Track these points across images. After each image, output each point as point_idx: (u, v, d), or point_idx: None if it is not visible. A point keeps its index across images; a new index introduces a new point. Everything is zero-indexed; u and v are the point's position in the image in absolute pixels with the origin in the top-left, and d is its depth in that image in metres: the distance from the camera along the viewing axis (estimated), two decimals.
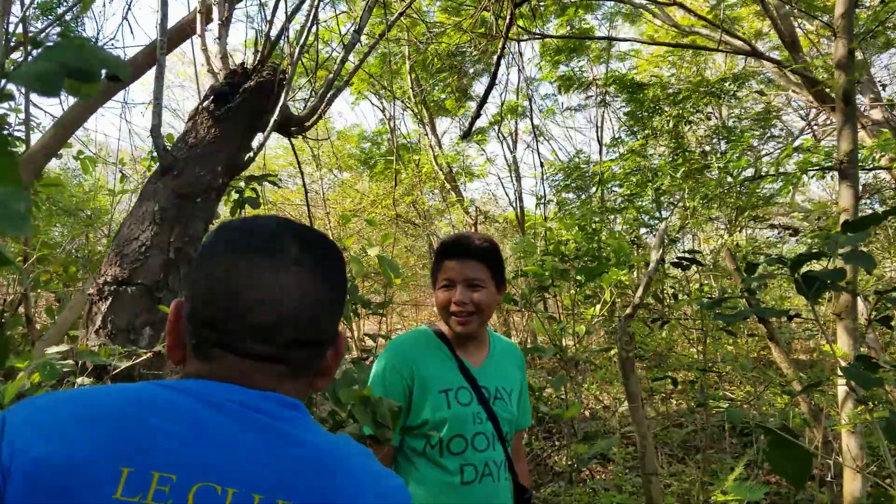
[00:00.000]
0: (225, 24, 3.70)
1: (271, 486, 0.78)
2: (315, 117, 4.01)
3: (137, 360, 2.53)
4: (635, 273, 4.81)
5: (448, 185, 13.14)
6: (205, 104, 3.28)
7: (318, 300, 0.90)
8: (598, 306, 4.05)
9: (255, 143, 3.42)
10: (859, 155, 6.54)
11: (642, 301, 3.25)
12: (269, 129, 3.17)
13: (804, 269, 1.64)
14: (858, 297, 3.13)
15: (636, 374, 3.23)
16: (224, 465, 0.78)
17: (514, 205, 13.94)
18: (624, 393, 3.25)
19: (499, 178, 27.31)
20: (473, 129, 15.43)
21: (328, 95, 3.85)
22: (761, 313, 1.64)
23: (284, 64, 3.42)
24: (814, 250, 1.61)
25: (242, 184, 3.76)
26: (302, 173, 4.28)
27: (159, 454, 0.76)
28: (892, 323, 1.65)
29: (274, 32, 3.47)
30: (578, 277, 4.34)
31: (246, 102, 3.26)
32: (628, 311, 3.27)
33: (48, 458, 0.74)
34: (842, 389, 2.85)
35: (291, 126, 3.89)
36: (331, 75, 3.82)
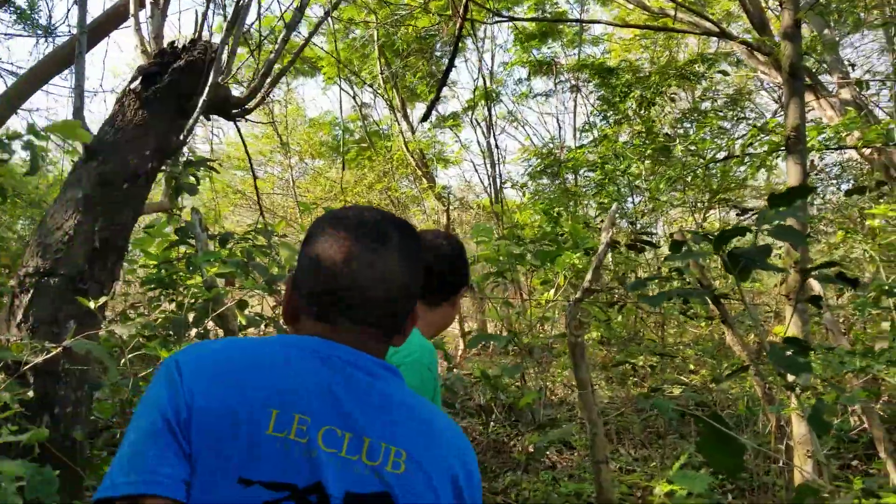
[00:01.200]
0: (157, 3, 3.53)
1: (377, 433, 1.01)
2: (257, 99, 3.87)
3: (49, 356, 2.39)
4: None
5: (419, 172, 12.97)
6: (132, 85, 3.12)
7: (411, 278, 1.12)
8: (553, 291, 3.95)
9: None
10: (825, 134, 6.50)
11: (592, 285, 3.15)
12: (198, 110, 3.02)
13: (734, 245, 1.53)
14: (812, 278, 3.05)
15: (586, 361, 3.13)
16: (342, 414, 1.00)
17: (488, 191, 13.84)
18: (584, 379, 3.16)
19: (473, 165, 27.14)
20: (440, 113, 15.24)
21: (270, 76, 3.71)
22: (683, 294, 1.54)
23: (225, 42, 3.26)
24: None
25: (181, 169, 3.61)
26: (249, 158, 4.13)
27: (297, 400, 0.98)
28: (821, 302, 1.55)
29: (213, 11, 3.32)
30: (534, 262, 4.24)
31: (175, 83, 3.11)
32: (577, 295, 3.17)
33: (216, 402, 0.96)
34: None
35: (231, 108, 3.73)
36: (272, 55, 3.67)
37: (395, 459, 1.00)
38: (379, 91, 13.16)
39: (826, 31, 8.41)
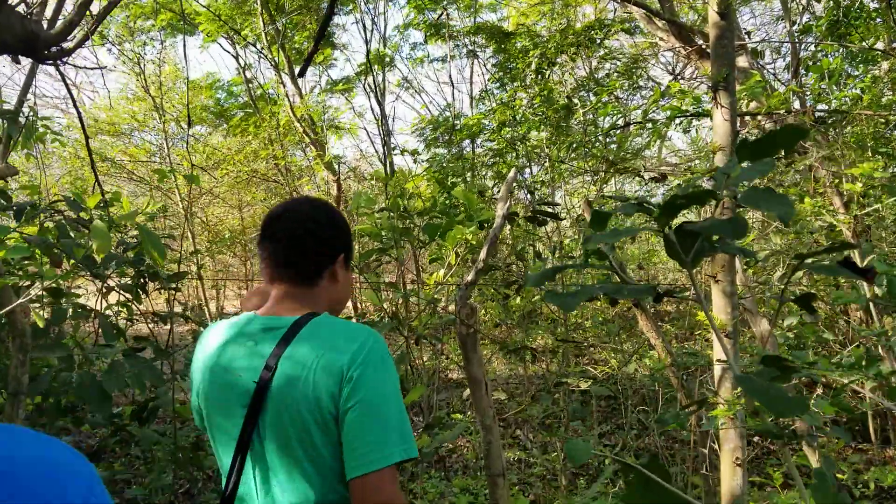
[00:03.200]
0: None
1: None
2: (78, 38, 3.12)
3: None
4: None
5: (307, 139, 12.15)
6: None
7: None
8: (443, 271, 3.46)
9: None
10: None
11: (486, 264, 2.65)
12: None
13: (677, 220, 1.04)
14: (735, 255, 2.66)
15: (479, 354, 2.64)
16: None
17: (382, 161, 13.18)
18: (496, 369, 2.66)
19: (368, 134, 26.32)
20: (331, 78, 14.39)
21: (88, 10, 2.97)
22: (609, 292, 1.03)
23: None
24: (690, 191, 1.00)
25: None
26: (76, 105, 3.36)
27: None
28: (814, 304, 1.09)
29: None
30: (423, 237, 3.71)
31: None
32: (469, 276, 2.67)
33: None
34: (718, 368, 2.37)
35: (41, 47, 2.97)
36: None
37: None
38: (263, 51, 12.20)
39: None
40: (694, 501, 1.17)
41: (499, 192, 6.83)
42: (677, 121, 6.31)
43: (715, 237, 1.08)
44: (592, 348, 6.00)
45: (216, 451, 1.59)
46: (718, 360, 2.37)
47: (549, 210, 3.18)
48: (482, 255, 2.70)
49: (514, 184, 3.04)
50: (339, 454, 1.43)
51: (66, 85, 3.39)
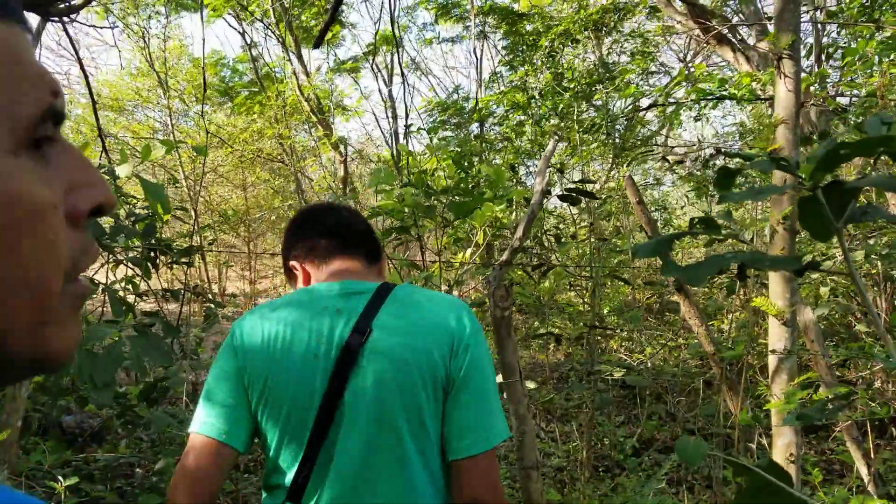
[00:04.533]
0: None
1: None
2: None
3: None
4: (515, 213, 4.05)
5: (314, 119, 11.95)
6: None
7: None
8: (469, 251, 3.28)
9: None
10: (748, 86, 6.08)
11: (522, 243, 2.48)
12: None
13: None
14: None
15: (513, 339, 2.47)
16: None
17: (389, 143, 12.97)
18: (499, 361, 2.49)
19: (374, 117, 26.12)
20: (338, 57, 14.13)
21: None
22: (743, 261, 0.86)
23: None
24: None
25: None
26: (82, 67, 3.17)
27: None
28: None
29: None
30: (447, 215, 3.54)
31: None
32: (505, 256, 2.50)
33: None
34: (773, 358, 2.21)
35: (47, 3, 2.79)
36: None
37: None
38: (270, 27, 11.97)
39: None
40: (813, 502, 1.01)
41: (513, 165, 6.63)
42: (694, 106, 6.13)
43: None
44: (622, 337, 5.80)
45: (271, 437, 1.34)
46: (774, 350, 2.20)
47: (586, 189, 3.00)
48: (518, 232, 2.53)
49: (552, 156, 2.86)
50: (440, 430, 1.30)
51: (72, 41, 3.20)
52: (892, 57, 6.67)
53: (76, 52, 3.14)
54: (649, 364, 4.40)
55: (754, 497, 1.02)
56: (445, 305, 1.37)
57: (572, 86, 7.03)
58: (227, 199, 14.49)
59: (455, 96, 12.62)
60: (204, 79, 6.51)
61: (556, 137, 3.54)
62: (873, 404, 1.93)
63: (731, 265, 0.87)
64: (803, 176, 0.84)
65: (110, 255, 2.96)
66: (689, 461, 1.00)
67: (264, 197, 14.22)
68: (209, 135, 12.54)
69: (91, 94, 3.41)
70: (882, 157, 0.82)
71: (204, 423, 1.32)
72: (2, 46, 0.39)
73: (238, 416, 1.33)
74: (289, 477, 1.32)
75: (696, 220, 1.07)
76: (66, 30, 3.23)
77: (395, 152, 11.98)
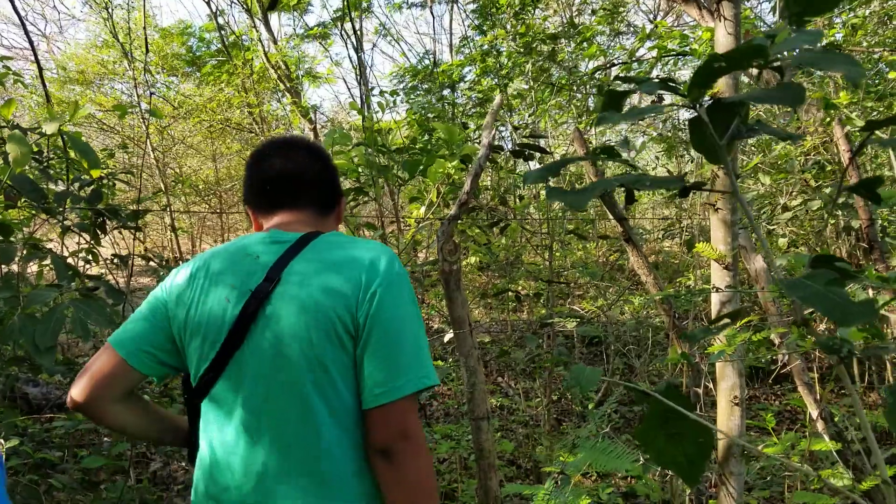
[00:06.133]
0: None
1: None
2: None
3: None
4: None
5: (283, 87, 11.78)
6: None
7: None
8: (424, 208, 3.27)
9: None
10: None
11: (469, 198, 2.47)
12: None
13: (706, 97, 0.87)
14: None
15: (462, 293, 2.48)
16: None
17: (360, 110, 12.82)
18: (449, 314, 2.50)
19: (346, 83, 25.84)
20: (306, 24, 13.96)
21: None
22: (626, 183, 0.86)
23: None
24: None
25: None
26: (26, 31, 3.09)
27: None
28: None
29: None
30: (402, 174, 3.52)
31: None
32: (452, 211, 2.49)
33: None
34: (715, 300, 2.23)
35: None
36: None
37: None
38: None
39: None
40: (712, 427, 1.02)
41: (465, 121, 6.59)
42: (663, 61, 6.11)
43: (750, 121, 0.90)
44: (578, 292, 5.87)
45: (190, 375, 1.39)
46: (717, 289, 2.23)
47: (536, 144, 2.99)
48: (466, 186, 2.52)
49: (499, 109, 2.84)
50: (353, 382, 1.28)
51: (14, 6, 3.11)
52: (852, 4, 6.68)
53: (19, 16, 3.06)
54: (604, 317, 4.44)
55: (658, 422, 1.03)
56: (362, 250, 1.35)
57: (535, 45, 6.98)
58: (198, 171, 14.31)
59: (426, 62, 12.49)
60: (146, 41, 6.31)
61: (500, 94, 3.51)
62: (804, 342, 1.96)
63: (615, 187, 0.87)
64: (685, 94, 0.83)
65: (59, 223, 2.92)
66: (582, 387, 1.00)
67: (235, 168, 14.06)
68: (175, 100, 12.33)
69: (36, 58, 3.33)
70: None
71: (117, 337, 1.40)
72: None
73: (148, 340, 1.38)
74: (203, 426, 1.37)
75: (597, 147, 1.07)
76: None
77: (364, 117, 11.88)
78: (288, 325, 1.26)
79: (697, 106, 0.84)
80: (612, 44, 10.02)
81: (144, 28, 7.48)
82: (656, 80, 0.93)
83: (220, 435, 1.31)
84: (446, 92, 10.37)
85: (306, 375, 1.25)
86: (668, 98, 1.09)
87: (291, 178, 1.48)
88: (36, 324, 2.22)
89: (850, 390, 0.84)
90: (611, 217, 3.06)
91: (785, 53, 0.85)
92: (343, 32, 13.15)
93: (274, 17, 13.21)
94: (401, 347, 1.28)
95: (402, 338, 1.28)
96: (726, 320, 1.08)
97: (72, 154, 3.28)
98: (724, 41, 2.21)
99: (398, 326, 1.28)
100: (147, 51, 7.60)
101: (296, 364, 1.25)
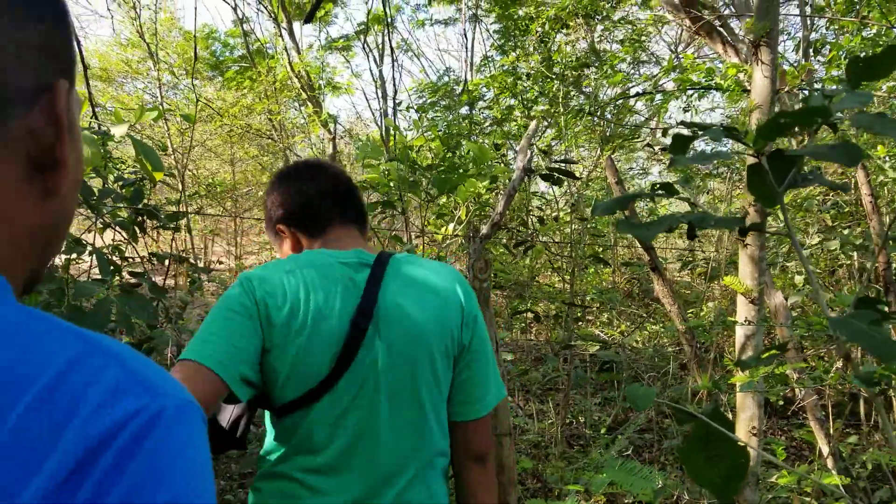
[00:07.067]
0: None
1: None
2: None
3: None
4: (501, 189, 4.12)
5: (304, 96, 11.94)
6: None
7: None
8: (452, 225, 3.35)
9: None
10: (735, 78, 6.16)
11: (502, 218, 2.56)
12: None
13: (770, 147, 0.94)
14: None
15: (491, 311, 2.55)
16: None
17: (378, 123, 12.96)
18: None
19: (364, 94, 26.07)
20: (330, 35, 14.07)
21: None
22: (691, 220, 0.93)
23: None
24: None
25: None
26: (75, 34, 3.19)
27: None
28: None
29: None
30: (431, 191, 3.60)
31: None
32: (484, 230, 2.57)
33: None
34: (740, 333, 2.30)
35: None
36: None
37: None
38: (262, 2, 11.91)
39: None
40: (754, 448, 1.09)
41: (498, 143, 6.68)
42: (682, 97, 6.20)
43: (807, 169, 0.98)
44: (590, 316, 5.92)
45: (279, 388, 1.29)
46: (742, 323, 2.30)
47: (566, 169, 3.07)
48: (499, 207, 2.60)
49: (535, 136, 2.93)
50: (449, 391, 1.40)
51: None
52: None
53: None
54: (624, 343, 4.50)
55: (698, 444, 1.10)
56: (447, 275, 1.43)
57: (561, 70, 7.09)
58: (215, 174, 14.47)
59: (445, 79, 12.63)
60: (195, 50, 6.47)
61: (537, 119, 3.60)
62: (828, 377, 2.02)
63: (679, 224, 0.94)
64: (749, 144, 0.91)
65: (98, 218, 3.00)
66: (637, 405, 1.07)
67: (252, 172, 14.20)
68: (198, 104, 12.49)
69: (83, 60, 3.43)
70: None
71: (199, 352, 1.20)
72: None
73: (241, 353, 1.23)
74: (304, 436, 1.30)
75: (657, 184, 1.15)
76: None
77: (383, 131, 12.00)
78: (398, 344, 1.30)
79: (759, 155, 0.91)
80: (634, 72, 10.14)
81: (196, 34, 7.60)
82: (720, 128, 1.01)
83: (324, 452, 1.29)
84: (464, 110, 10.49)
85: (424, 392, 1.32)
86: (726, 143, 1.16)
87: (335, 195, 1.49)
88: (83, 316, 2.30)
89: (884, 421, 0.91)
90: (628, 243, 3.13)
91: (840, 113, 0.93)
92: (365, 46, 13.34)
93: (298, 27, 13.39)
94: (489, 365, 1.43)
95: (490, 356, 1.44)
96: (774, 351, 1.16)
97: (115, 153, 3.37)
98: (760, 83, 2.28)
99: (487, 346, 1.43)
100: (193, 71, 7.70)
101: (412, 383, 1.31)
